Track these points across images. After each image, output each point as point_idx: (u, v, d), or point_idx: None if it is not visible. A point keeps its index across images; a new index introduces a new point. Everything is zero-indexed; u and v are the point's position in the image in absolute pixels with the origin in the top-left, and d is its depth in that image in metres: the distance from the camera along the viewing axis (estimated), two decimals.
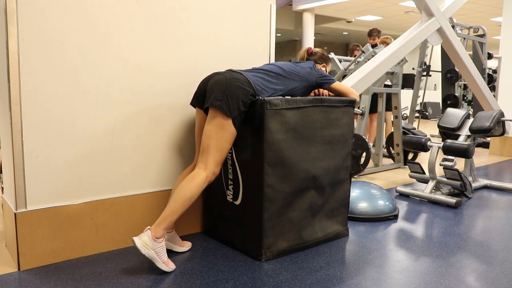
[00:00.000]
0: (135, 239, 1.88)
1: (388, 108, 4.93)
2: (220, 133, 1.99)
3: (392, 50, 3.64)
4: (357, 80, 3.43)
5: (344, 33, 17.03)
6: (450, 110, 3.79)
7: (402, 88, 4.84)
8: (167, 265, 1.95)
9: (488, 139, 6.16)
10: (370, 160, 4.15)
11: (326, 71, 2.54)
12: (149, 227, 1.94)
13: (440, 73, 6.47)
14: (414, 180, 3.87)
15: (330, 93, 2.46)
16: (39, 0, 1.87)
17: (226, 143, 2.02)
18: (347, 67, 4.64)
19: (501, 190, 3.72)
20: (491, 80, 7.21)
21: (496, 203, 3.32)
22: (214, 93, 1.99)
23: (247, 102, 2.01)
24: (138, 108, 2.21)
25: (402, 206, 3.15)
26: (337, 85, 2.36)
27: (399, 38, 3.85)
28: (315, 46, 2.88)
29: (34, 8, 1.86)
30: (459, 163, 4.13)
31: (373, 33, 5.62)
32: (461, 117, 3.63)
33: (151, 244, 1.89)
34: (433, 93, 12.82)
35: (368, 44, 4.48)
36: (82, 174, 2.07)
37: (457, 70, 6.05)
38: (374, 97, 4.71)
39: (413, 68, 6.67)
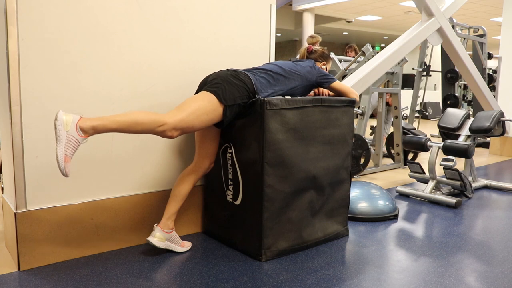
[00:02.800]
0: (61, 111, 1.70)
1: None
2: (205, 104, 1.95)
3: (392, 50, 3.64)
4: (357, 80, 3.43)
5: (344, 33, 17.03)
6: (450, 110, 3.78)
7: (402, 88, 4.84)
8: (65, 160, 1.69)
9: (488, 139, 6.16)
10: (370, 160, 4.15)
11: (327, 69, 2.54)
12: (82, 116, 1.76)
13: (440, 73, 6.48)
14: (414, 180, 3.87)
15: (330, 92, 2.46)
16: (39, 0, 1.87)
17: (205, 115, 1.94)
18: (347, 67, 4.64)
19: (501, 190, 3.72)
20: (491, 80, 7.20)
21: (496, 203, 3.32)
22: (212, 81, 2.01)
23: (244, 96, 2.01)
24: (138, 108, 2.20)
25: (402, 206, 3.15)
26: (337, 84, 2.36)
27: (399, 38, 3.85)
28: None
29: (34, 8, 1.86)
30: (459, 163, 4.13)
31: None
32: (461, 117, 3.63)
33: (71, 127, 1.69)
34: (433, 93, 12.82)
35: (368, 44, 4.48)
36: (82, 174, 2.07)
37: (457, 70, 6.05)
38: None
39: (413, 68, 6.67)
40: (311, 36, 5.32)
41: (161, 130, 1.85)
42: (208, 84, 2.03)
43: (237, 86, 2.00)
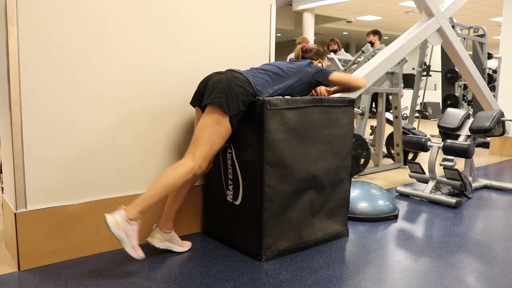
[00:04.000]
0: (108, 216, 1.82)
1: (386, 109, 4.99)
2: (214, 128, 1.98)
3: (392, 50, 3.64)
4: None
5: (344, 33, 17.02)
6: (450, 110, 3.78)
7: (402, 88, 4.85)
8: (136, 251, 1.88)
9: (488, 139, 6.16)
10: (370, 160, 4.15)
11: (323, 66, 2.53)
12: (123, 206, 1.88)
13: (440, 73, 6.48)
14: (414, 180, 3.87)
15: (329, 90, 2.46)
16: (39, 0, 1.87)
17: (219, 139, 2.00)
18: (347, 67, 4.64)
19: (501, 190, 3.72)
20: (491, 80, 7.21)
21: (496, 203, 3.32)
22: (214, 91, 1.99)
23: (246, 101, 2.01)
24: (138, 108, 2.21)
25: (402, 206, 3.15)
26: (335, 76, 2.31)
27: (399, 38, 3.85)
28: None
29: (34, 8, 1.86)
30: (459, 163, 4.13)
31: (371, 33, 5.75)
32: (461, 117, 3.63)
33: (123, 224, 1.83)
34: (433, 93, 12.82)
35: (368, 44, 4.49)
36: (82, 174, 2.07)
37: (457, 70, 6.05)
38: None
39: (413, 68, 6.68)
40: (300, 38, 5.44)
41: (193, 175, 2.00)
42: (210, 94, 2.00)
43: (239, 93, 1.98)
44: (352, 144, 2.46)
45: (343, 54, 5.94)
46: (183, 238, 2.32)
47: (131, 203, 1.90)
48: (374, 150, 4.42)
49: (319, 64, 2.49)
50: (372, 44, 5.76)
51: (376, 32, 5.80)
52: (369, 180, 4.00)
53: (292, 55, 6.32)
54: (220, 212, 2.34)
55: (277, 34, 16.58)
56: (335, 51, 6.09)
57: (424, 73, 6.37)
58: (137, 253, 1.90)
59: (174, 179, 1.93)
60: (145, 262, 2.05)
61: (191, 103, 2.18)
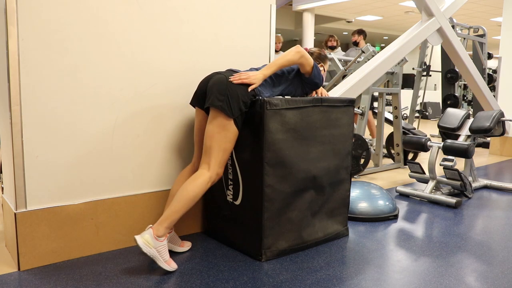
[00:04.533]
0: (137, 237, 1.88)
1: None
2: (222, 133, 1.99)
3: (392, 50, 3.64)
4: (357, 80, 3.43)
5: (344, 33, 17.03)
6: (450, 110, 3.79)
7: (402, 88, 4.84)
8: (169, 264, 1.94)
9: (488, 139, 6.16)
10: (370, 160, 4.15)
11: (324, 71, 2.53)
12: (151, 225, 1.95)
13: (440, 73, 6.48)
14: (414, 180, 3.87)
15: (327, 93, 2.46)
16: (39, 0, 1.87)
17: (229, 143, 2.02)
18: (347, 67, 4.64)
19: (501, 190, 3.72)
20: (491, 80, 7.21)
21: (496, 203, 3.32)
22: (214, 93, 1.99)
23: (247, 102, 2.01)
24: (138, 108, 2.21)
25: (402, 206, 3.15)
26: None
27: (399, 38, 3.85)
28: (315, 46, 2.85)
29: (34, 8, 1.86)
30: (459, 163, 4.13)
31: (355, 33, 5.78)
32: (461, 117, 3.63)
33: (153, 242, 1.89)
34: (433, 93, 12.82)
35: (368, 44, 4.49)
36: (82, 174, 2.07)
37: (457, 70, 6.05)
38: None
39: (413, 68, 6.68)
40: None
41: (212, 183, 2.03)
42: (210, 96, 1.99)
43: (239, 94, 1.98)
44: (352, 144, 2.46)
45: (339, 53, 5.95)
46: (183, 238, 2.32)
47: (157, 221, 1.95)
48: (374, 150, 4.42)
49: (321, 68, 2.49)
50: (357, 43, 5.78)
51: (361, 32, 5.82)
52: (369, 180, 4.00)
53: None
54: (220, 212, 2.34)
55: (277, 34, 16.56)
56: (333, 48, 6.09)
57: (424, 73, 6.37)
58: (171, 266, 1.95)
59: (194, 191, 1.97)
60: (145, 262, 2.05)
61: (191, 103, 2.18)
